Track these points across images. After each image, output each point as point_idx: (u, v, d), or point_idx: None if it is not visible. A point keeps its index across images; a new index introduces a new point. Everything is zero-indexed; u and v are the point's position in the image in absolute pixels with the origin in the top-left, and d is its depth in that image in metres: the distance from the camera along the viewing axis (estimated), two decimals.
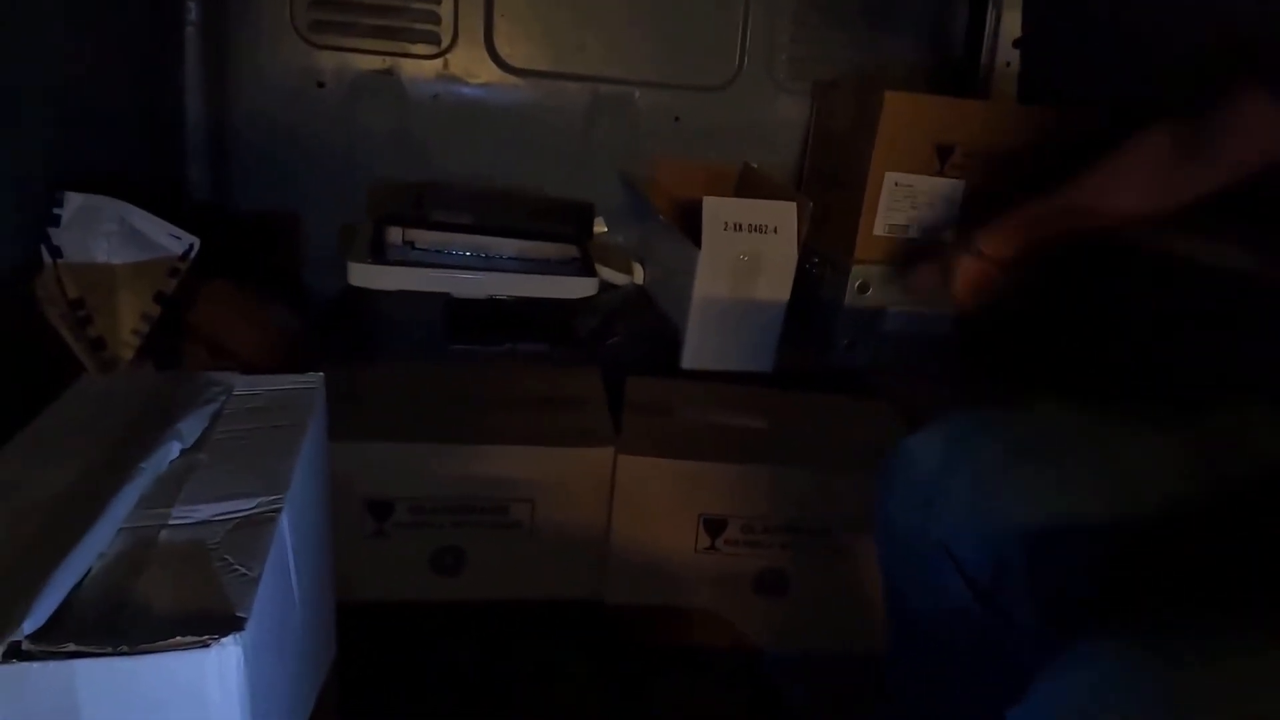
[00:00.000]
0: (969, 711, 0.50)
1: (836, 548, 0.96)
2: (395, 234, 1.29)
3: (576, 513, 0.95)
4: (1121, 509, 0.51)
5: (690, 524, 0.95)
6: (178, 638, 0.37)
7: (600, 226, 1.54)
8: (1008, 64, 1.58)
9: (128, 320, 0.96)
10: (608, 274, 1.44)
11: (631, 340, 1.33)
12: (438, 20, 1.43)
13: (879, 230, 1.27)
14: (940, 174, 1.26)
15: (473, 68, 1.46)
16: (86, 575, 0.41)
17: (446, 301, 1.22)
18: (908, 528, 0.58)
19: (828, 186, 1.42)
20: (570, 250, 1.33)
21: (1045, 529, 0.51)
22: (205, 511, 0.47)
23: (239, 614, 0.39)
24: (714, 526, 0.95)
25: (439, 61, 1.45)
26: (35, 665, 0.36)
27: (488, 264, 1.28)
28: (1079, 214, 0.87)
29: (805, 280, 1.30)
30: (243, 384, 0.62)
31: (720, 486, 0.94)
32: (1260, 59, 0.65)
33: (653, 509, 0.95)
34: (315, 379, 0.64)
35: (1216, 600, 0.42)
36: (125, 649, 0.37)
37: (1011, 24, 1.56)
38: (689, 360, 1.25)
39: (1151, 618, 0.40)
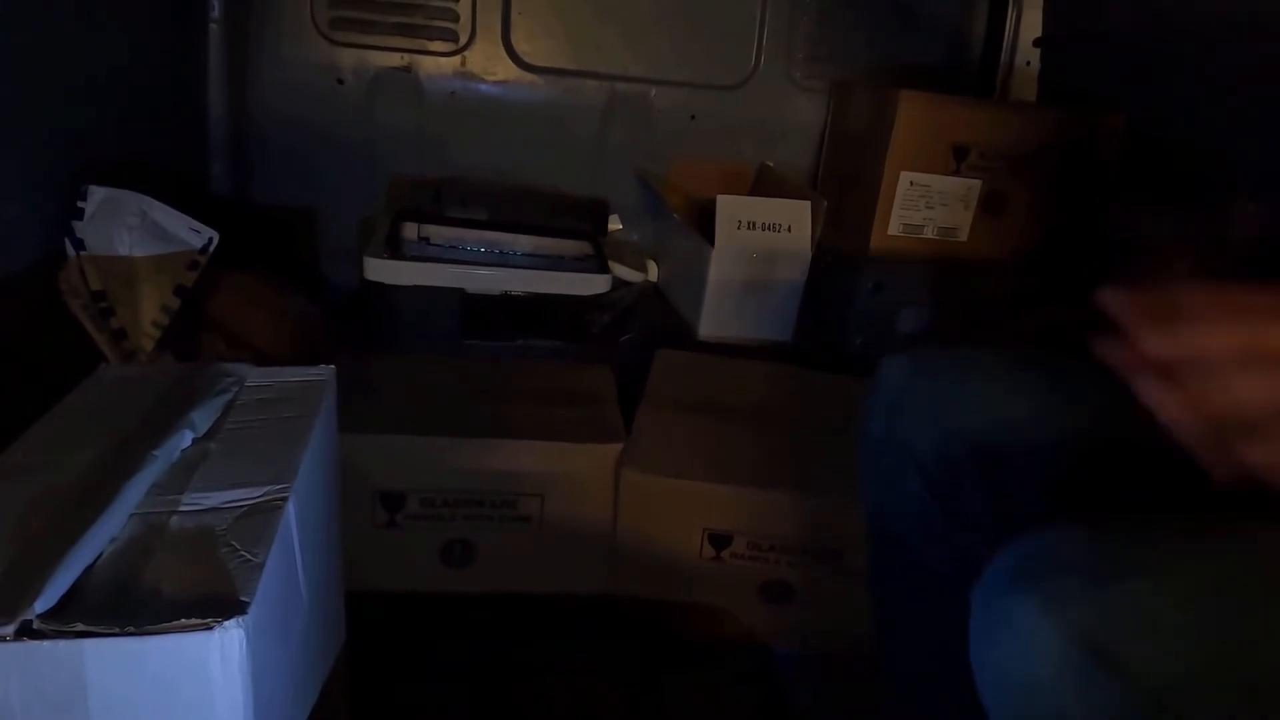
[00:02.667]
0: (950, 633, 0.49)
1: (848, 570, 0.93)
2: (411, 229, 1.31)
3: (585, 508, 0.96)
4: (1062, 418, 0.55)
5: (695, 536, 0.94)
6: (183, 620, 0.38)
7: (615, 224, 1.55)
8: (1028, 64, 1.57)
9: (148, 312, 0.98)
10: (621, 271, 1.45)
11: (644, 337, 1.33)
12: (456, 18, 1.44)
13: (894, 230, 1.27)
14: (956, 174, 1.26)
15: (490, 65, 1.47)
16: (98, 558, 0.43)
17: (461, 296, 1.23)
18: (878, 434, 0.63)
19: (843, 186, 1.41)
20: (584, 247, 1.34)
21: (991, 430, 0.56)
22: (214, 499, 0.48)
23: (243, 598, 0.40)
24: (719, 541, 0.94)
25: (457, 59, 1.46)
26: (46, 644, 0.37)
27: (502, 260, 1.29)
28: None
29: (819, 279, 1.30)
30: (255, 375, 0.63)
31: (725, 506, 0.93)
32: None
33: (657, 520, 0.94)
34: (326, 371, 0.65)
35: (1150, 500, 0.45)
36: (132, 630, 0.38)
37: (1032, 23, 1.55)
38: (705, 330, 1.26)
39: (1089, 512, 0.42)
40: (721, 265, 1.23)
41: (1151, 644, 0.35)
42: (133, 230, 0.98)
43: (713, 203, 1.22)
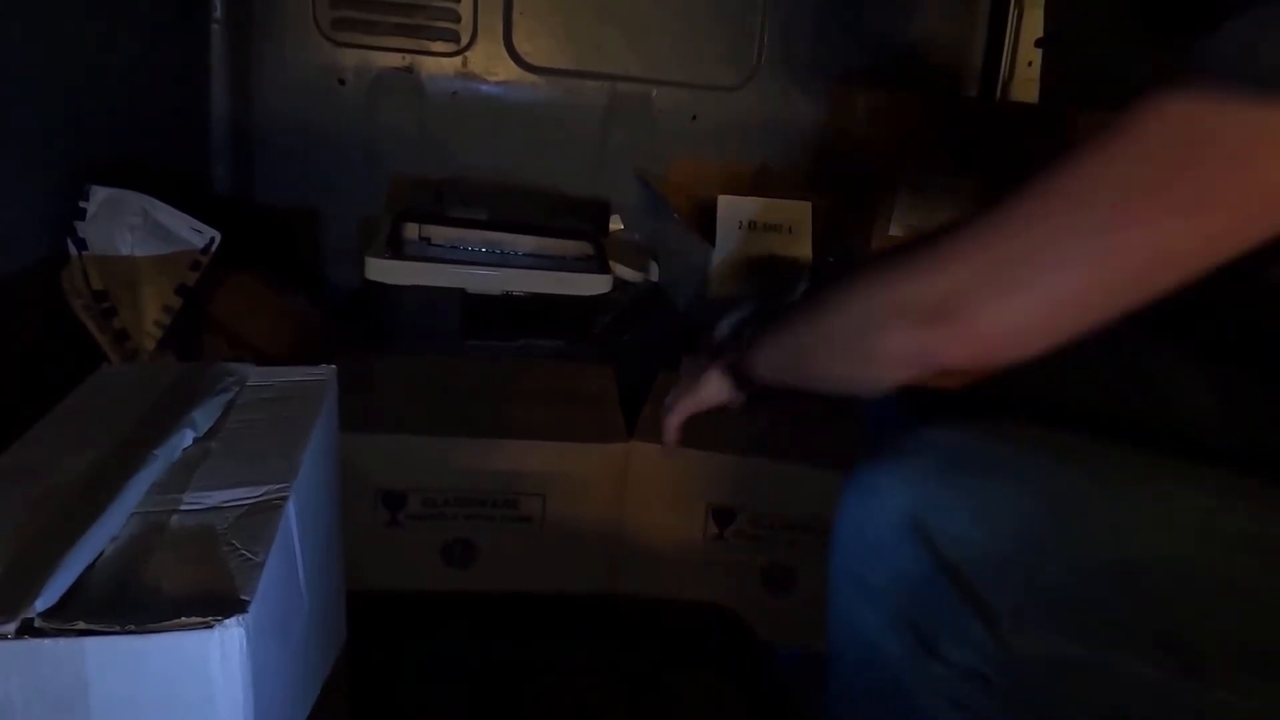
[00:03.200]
0: None
1: None
2: (412, 229, 1.31)
3: (586, 508, 0.96)
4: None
5: (700, 513, 0.96)
6: (183, 618, 0.38)
7: (616, 224, 1.55)
8: (1029, 64, 1.57)
9: (150, 312, 0.98)
10: (623, 271, 1.45)
11: (645, 337, 1.33)
12: (457, 19, 1.44)
13: (895, 230, 1.27)
14: (957, 175, 1.26)
15: (492, 66, 1.47)
16: (99, 557, 0.43)
17: (462, 296, 1.23)
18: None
19: (844, 186, 1.41)
20: (585, 247, 1.34)
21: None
22: (215, 498, 0.48)
23: (243, 597, 0.40)
24: (723, 516, 0.96)
25: (458, 59, 1.46)
26: (47, 642, 0.37)
27: (503, 260, 1.29)
28: None
29: (822, 281, 1.30)
30: (256, 375, 0.63)
31: (729, 478, 0.95)
32: None
33: (663, 495, 0.95)
34: (327, 371, 0.65)
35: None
36: (133, 628, 0.38)
37: (1033, 23, 1.55)
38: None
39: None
40: (722, 265, 1.23)
41: (961, 526, 0.46)
42: (135, 230, 0.98)
43: (714, 203, 1.22)
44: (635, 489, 0.96)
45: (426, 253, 1.28)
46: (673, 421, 0.73)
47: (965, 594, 0.47)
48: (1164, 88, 0.40)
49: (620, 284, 1.39)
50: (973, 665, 0.47)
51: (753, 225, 1.23)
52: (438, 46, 1.45)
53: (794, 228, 1.24)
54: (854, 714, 0.57)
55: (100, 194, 0.96)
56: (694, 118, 1.54)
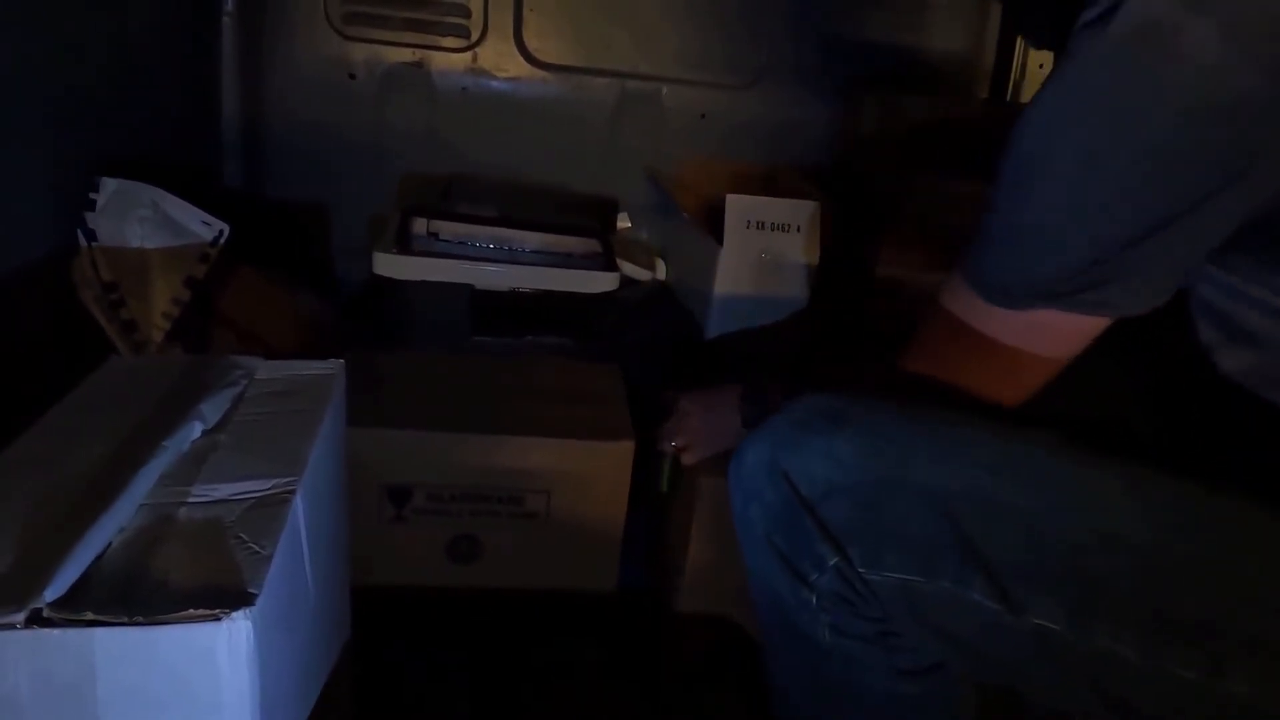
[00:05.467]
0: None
1: None
2: (420, 225, 1.31)
3: (592, 505, 0.96)
4: None
5: None
6: (191, 610, 0.38)
7: (624, 222, 1.55)
8: (1040, 66, 1.56)
9: (159, 304, 0.98)
10: (630, 269, 1.45)
11: (652, 335, 1.33)
12: (468, 14, 1.44)
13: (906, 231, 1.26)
14: (967, 177, 1.25)
15: (502, 62, 1.47)
16: (108, 548, 0.43)
17: (470, 293, 1.23)
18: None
19: (854, 186, 1.41)
20: (593, 245, 1.34)
21: None
22: (223, 490, 0.48)
23: (250, 589, 0.40)
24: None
25: (468, 55, 1.46)
26: (55, 632, 0.37)
27: (511, 257, 1.29)
28: None
29: (829, 280, 1.30)
30: (265, 368, 0.64)
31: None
32: None
33: (730, 530, 0.93)
34: (335, 365, 0.65)
35: None
36: (141, 619, 0.38)
37: None
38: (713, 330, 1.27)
39: None
40: (730, 264, 1.23)
41: (813, 466, 0.56)
42: (144, 222, 0.98)
43: (722, 202, 1.22)
44: (703, 523, 0.92)
45: (435, 248, 1.28)
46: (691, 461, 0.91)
47: (819, 526, 0.56)
48: (943, 287, 0.61)
49: (628, 282, 1.39)
50: (836, 590, 0.56)
51: (761, 225, 1.22)
52: (448, 42, 1.45)
53: (802, 227, 1.23)
54: (775, 661, 0.66)
55: (111, 186, 0.96)
56: (703, 116, 1.54)
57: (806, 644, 0.60)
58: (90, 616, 0.38)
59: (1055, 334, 0.57)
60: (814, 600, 0.57)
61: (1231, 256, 0.54)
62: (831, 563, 0.55)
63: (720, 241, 1.22)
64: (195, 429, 0.54)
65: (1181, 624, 0.49)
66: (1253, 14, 0.47)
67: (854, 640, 0.58)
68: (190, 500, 0.47)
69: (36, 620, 0.37)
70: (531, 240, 1.32)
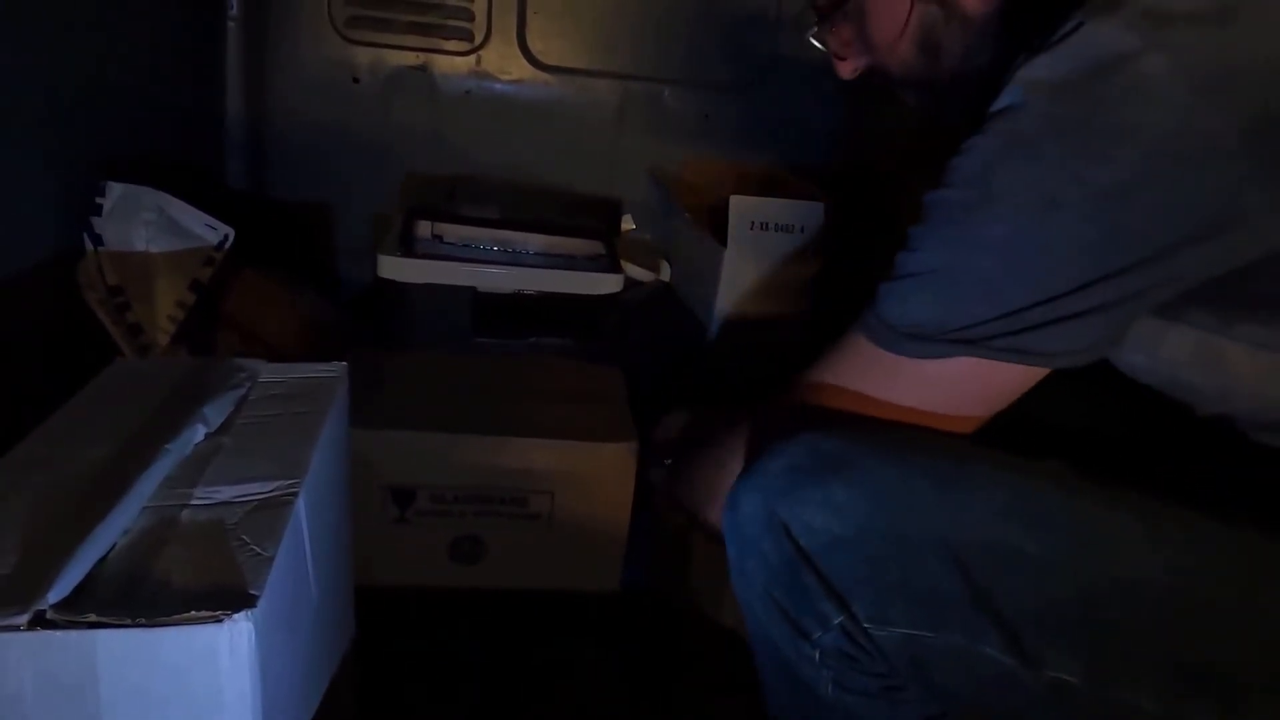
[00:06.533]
0: None
1: None
2: (424, 227, 1.31)
3: (595, 506, 0.96)
4: None
5: None
6: (193, 612, 0.39)
7: (628, 223, 1.55)
8: None
9: (164, 307, 0.99)
10: (634, 271, 1.45)
11: (656, 336, 1.33)
12: (471, 17, 1.45)
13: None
14: None
15: (505, 64, 1.47)
16: (111, 550, 0.43)
17: (473, 294, 1.23)
18: None
19: (858, 187, 1.41)
20: (597, 246, 1.34)
21: None
22: (226, 493, 0.49)
23: (252, 591, 0.40)
24: None
25: (472, 58, 1.47)
26: (58, 634, 0.38)
27: (514, 258, 1.30)
28: None
29: (833, 282, 1.30)
30: (268, 371, 0.64)
31: None
32: None
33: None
34: (338, 368, 0.65)
35: None
36: (144, 621, 0.38)
37: None
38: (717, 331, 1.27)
39: None
40: (733, 266, 1.23)
41: (811, 518, 0.53)
42: (150, 226, 0.99)
43: (725, 203, 1.22)
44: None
45: (438, 250, 1.28)
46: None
47: (820, 580, 0.53)
48: (859, 323, 0.59)
49: (631, 283, 1.39)
50: (840, 647, 0.53)
51: (764, 226, 1.22)
52: (451, 45, 1.46)
53: (806, 229, 1.23)
54: (775, 700, 0.64)
55: (116, 190, 0.97)
56: (706, 117, 1.54)
57: (808, 694, 0.57)
58: (93, 618, 0.38)
59: (968, 390, 0.55)
60: (816, 656, 0.55)
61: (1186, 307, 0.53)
62: (836, 621, 0.53)
63: (724, 243, 1.22)
64: (199, 431, 0.54)
65: (1200, 671, 0.48)
66: (1210, 59, 0.46)
67: (858, 696, 0.56)
68: (193, 502, 0.48)
69: (40, 622, 0.38)
70: (535, 242, 1.32)
